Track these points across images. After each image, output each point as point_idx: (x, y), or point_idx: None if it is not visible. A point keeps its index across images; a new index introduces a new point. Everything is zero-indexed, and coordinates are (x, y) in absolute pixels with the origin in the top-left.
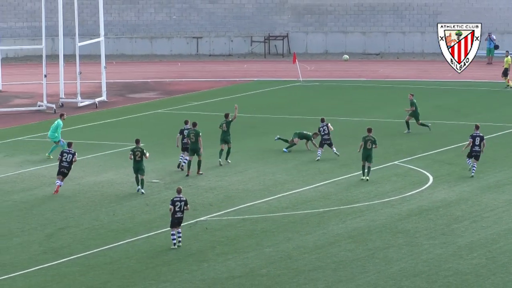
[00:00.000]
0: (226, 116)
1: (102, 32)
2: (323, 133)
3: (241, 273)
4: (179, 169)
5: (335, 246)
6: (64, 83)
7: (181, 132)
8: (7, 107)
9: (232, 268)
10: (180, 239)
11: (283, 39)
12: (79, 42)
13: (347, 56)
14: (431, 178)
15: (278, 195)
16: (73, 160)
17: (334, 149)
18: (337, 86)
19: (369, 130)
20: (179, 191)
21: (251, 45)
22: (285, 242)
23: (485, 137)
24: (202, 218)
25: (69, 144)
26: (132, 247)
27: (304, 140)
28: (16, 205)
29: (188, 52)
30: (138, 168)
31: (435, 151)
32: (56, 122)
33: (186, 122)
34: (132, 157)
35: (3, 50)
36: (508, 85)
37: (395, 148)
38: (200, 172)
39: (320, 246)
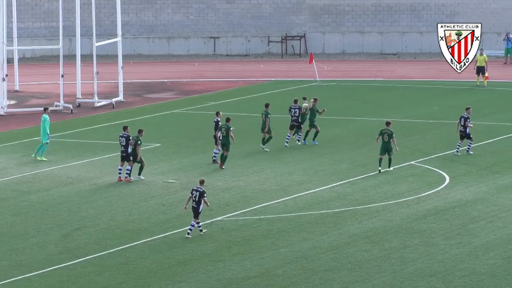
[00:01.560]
0: (267, 106)
1: (119, 32)
2: (293, 116)
3: (257, 273)
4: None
5: (351, 246)
6: (81, 83)
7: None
8: (24, 107)
9: (248, 268)
10: (200, 229)
11: (300, 39)
12: (96, 42)
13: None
14: (447, 178)
15: (294, 195)
16: (129, 143)
17: (300, 136)
18: (354, 86)
19: (387, 124)
20: (200, 182)
21: (268, 45)
22: (301, 242)
23: (470, 119)
24: (218, 218)
25: (124, 128)
26: (148, 247)
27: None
28: (33, 206)
29: (205, 52)
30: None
31: (452, 151)
32: (42, 118)
33: (217, 114)
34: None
35: (20, 50)
36: (478, 84)
37: (412, 148)
38: (223, 167)
39: (336, 246)
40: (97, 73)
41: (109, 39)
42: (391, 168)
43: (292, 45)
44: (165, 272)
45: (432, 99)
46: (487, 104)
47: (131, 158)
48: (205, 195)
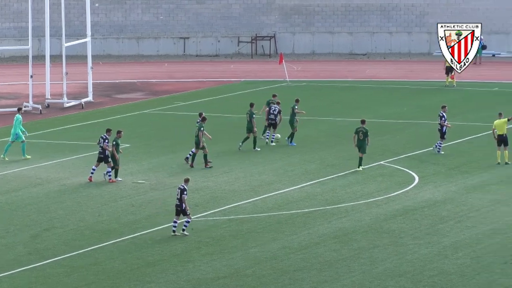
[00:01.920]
0: (251, 106)
1: (88, 32)
2: (271, 113)
3: (226, 273)
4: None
5: (321, 246)
6: (50, 83)
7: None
8: None
9: (217, 269)
10: (184, 227)
11: (270, 40)
12: (65, 42)
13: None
14: (416, 178)
15: (264, 196)
16: (104, 146)
17: (275, 135)
18: (324, 87)
19: (363, 122)
20: (185, 181)
21: (238, 46)
22: (270, 243)
23: (445, 118)
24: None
25: (107, 130)
26: (117, 248)
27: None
28: (1, 206)
29: (175, 53)
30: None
31: (421, 151)
32: (15, 118)
33: (200, 115)
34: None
35: None
36: (447, 84)
37: (381, 148)
38: (208, 166)
39: (306, 246)
40: (66, 73)
41: (78, 39)
42: (360, 168)
43: (262, 46)
44: (134, 272)
45: (401, 99)
46: (456, 104)
47: (109, 159)
48: (185, 193)
